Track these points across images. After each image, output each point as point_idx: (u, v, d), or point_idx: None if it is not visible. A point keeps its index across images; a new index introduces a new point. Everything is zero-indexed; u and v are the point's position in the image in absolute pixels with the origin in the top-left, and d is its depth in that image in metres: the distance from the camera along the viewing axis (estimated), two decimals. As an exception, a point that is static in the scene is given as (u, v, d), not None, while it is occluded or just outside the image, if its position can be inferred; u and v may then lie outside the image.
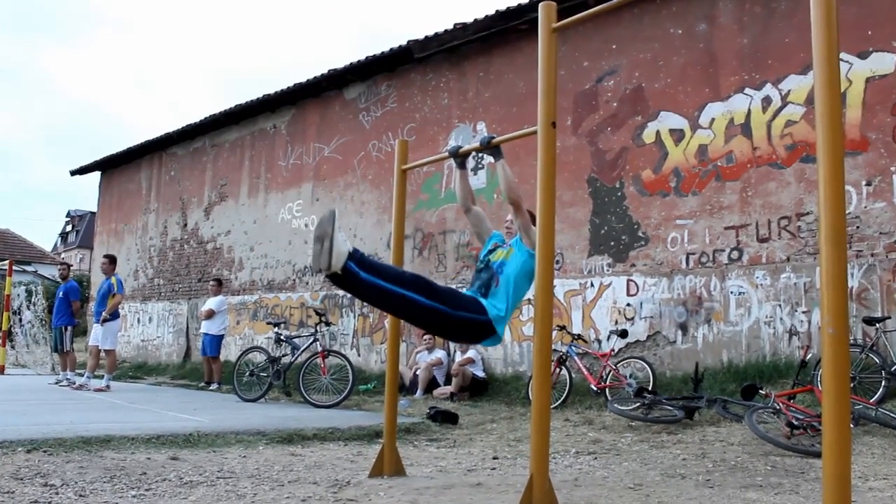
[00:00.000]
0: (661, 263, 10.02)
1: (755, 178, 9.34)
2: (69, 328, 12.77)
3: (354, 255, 3.93)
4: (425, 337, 11.95)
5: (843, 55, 8.61)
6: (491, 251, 4.77)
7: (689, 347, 9.63)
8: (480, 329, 4.33)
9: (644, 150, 10.39)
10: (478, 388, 11.06)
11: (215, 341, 13.20)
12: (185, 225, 18.70)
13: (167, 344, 18.59)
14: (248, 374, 11.09)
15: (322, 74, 14.55)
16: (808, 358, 7.95)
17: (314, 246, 3.89)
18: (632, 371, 9.70)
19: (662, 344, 9.87)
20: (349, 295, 13.77)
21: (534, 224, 4.18)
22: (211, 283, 14.18)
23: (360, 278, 3.94)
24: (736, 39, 9.71)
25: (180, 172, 19.22)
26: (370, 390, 11.87)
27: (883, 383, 7.59)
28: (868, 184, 8.47)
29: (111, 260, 12.56)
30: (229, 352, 15.90)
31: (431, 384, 11.32)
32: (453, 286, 12.29)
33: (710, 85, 9.87)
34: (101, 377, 12.00)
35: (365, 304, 13.43)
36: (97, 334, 12.03)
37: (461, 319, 4.23)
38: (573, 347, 10.10)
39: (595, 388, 9.59)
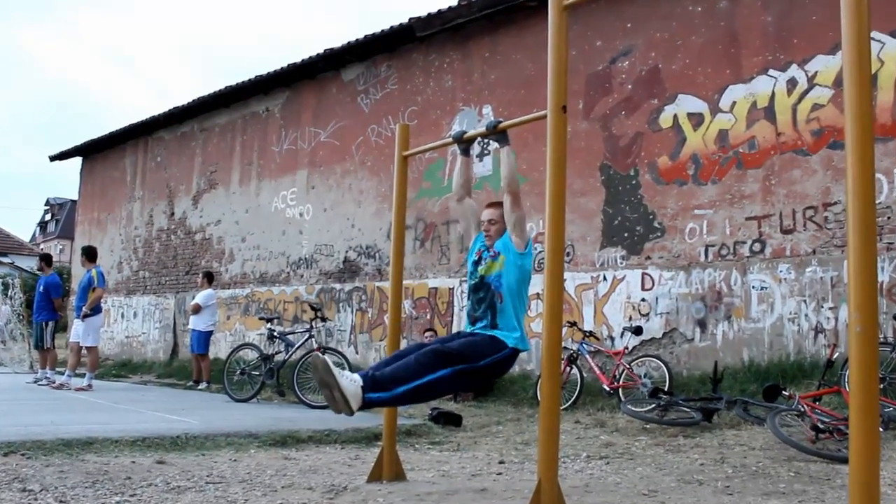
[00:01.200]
0: (679, 256, 10.01)
1: (779, 166, 9.32)
2: (50, 324, 12.79)
3: (367, 385, 4.02)
4: (427, 334, 11.96)
5: (874, 34, 8.57)
6: (477, 262, 4.70)
7: (707, 345, 9.63)
8: (509, 360, 4.45)
9: (660, 136, 10.37)
10: (483, 388, 11.07)
11: (204, 338, 13.22)
12: (173, 214, 18.72)
13: (153, 340, 18.63)
14: (238, 372, 11.11)
15: (318, 54, 14.53)
16: (834, 357, 7.94)
17: (323, 392, 4.03)
18: (646, 370, 9.71)
19: (679, 342, 9.87)
20: (346, 288, 13.80)
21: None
22: (200, 275, 14.20)
23: (385, 399, 4.11)
24: (759, 17, 9.68)
25: (167, 158, 19.23)
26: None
27: (914, 384, 7.58)
28: (899, 172, 8.45)
29: (86, 253, 12.49)
30: (219, 349, 15.92)
31: (433, 384, 11.33)
32: (460, 285, 12.33)
33: (732, 66, 9.84)
34: (83, 376, 12.03)
35: (363, 300, 13.44)
36: (78, 330, 12.05)
37: (488, 366, 4.35)
38: (584, 345, 10.09)
39: (607, 389, 9.59)
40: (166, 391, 12.64)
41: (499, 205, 4.69)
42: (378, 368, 4.15)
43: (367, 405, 4.02)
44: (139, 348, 19.01)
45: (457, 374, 4.19)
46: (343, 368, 4.32)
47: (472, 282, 4.68)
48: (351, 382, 3.96)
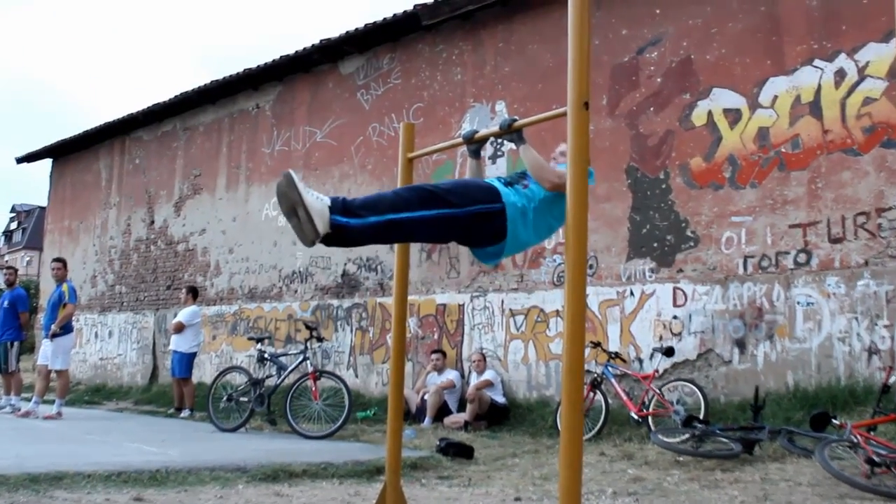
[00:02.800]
0: (714, 268, 9.99)
1: (826, 167, 9.30)
2: (15, 344, 12.77)
3: (336, 206, 3.94)
4: (434, 356, 11.95)
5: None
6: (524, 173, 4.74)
7: (747, 368, 9.58)
8: (498, 217, 4.29)
9: (693, 135, 10.36)
10: (497, 416, 11.04)
11: (186, 360, 13.23)
12: (153, 222, 18.78)
13: (130, 363, 18.66)
14: (225, 398, 11.10)
15: (313, 45, 14.58)
16: (890, 381, 7.90)
17: (289, 221, 3.93)
18: (679, 396, 9.66)
19: (716, 364, 9.83)
20: (345, 305, 13.80)
21: None
22: (183, 290, 14.22)
23: (354, 226, 3.96)
24: (804, 1, 9.67)
25: (146, 160, 19.30)
26: (370, 418, 11.86)
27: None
28: (961, 174, 8.42)
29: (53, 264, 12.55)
30: (204, 372, 15.92)
31: (442, 411, 11.32)
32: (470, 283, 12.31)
33: (773, 56, 9.83)
34: (52, 402, 12.04)
35: (363, 318, 13.44)
36: (46, 352, 12.06)
37: (473, 215, 4.23)
38: (610, 368, 10.07)
39: (636, 417, 9.55)
40: (145, 420, 12.63)
41: None
42: (352, 199, 4.07)
43: (334, 229, 3.91)
44: (115, 372, 19.04)
45: (438, 218, 4.11)
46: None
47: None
48: (317, 199, 3.88)
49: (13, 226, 77.48)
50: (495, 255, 4.48)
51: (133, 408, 15.21)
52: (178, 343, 13.27)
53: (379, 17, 13.69)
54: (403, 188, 4.23)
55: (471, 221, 4.22)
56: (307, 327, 11.58)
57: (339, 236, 3.97)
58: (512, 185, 4.43)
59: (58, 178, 22.54)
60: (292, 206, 3.87)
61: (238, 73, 16.05)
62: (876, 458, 6.25)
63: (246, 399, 10.95)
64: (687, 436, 8.09)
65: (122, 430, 10.49)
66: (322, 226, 3.85)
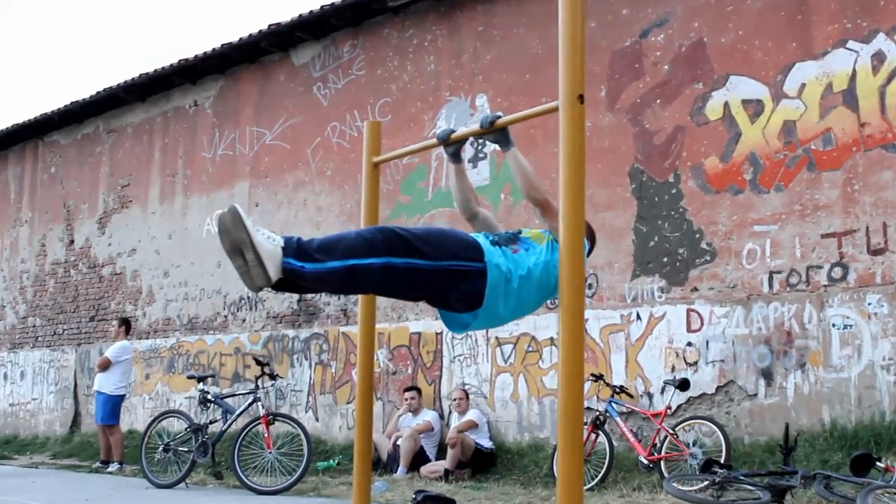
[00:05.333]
0: (735, 286, 10.03)
1: (864, 167, 9.38)
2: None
3: (289, 248, 3.93)
4: (408, 394, 11.93)
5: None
6: (519, 231, 4.73)
7: (775, 403, 9.63)
8: (469, 282, 4.23)
9: (708, 131, 10.43)
10: (482, 463, 11.03)
11: (113, 403, 13.12)
12: (72, 242, 18.67)
13: (47, 409, 18.50)
14: (161, 448, 11.03)
15: (261, 31, 14.58)
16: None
17: (233, 261, 3.93)
18: (696, 437, 9.69)
19: (738, 398, 9.87)
20: (302, 335, 13.77)
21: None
22: (114, 323, 14.13)
23: (309, 272, 3.95)
24: (832, -25, 9.78)
25: (64, 169, 19.20)
26: (333, 468, 11.82)
27: None
28: None
29: None
30: (135, 418, 15.81)
31: (418, 458, 11.29)
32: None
33: (799, 38, 9.91)
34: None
35: (324, 350, 13.41)
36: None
37: (444, 271, 4.18)
38: (614, 405, 10.08)
39: (646, 461, 9.57)
40: (65, 476, 12.53)
41: None
42: (309, 240, 4.05)
43: (286, 274, 3.90)
44: (27, 420, 18.87)
45: (407, 269, 4.07)
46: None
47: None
48: (268, 240, 3.87)
49: None
50: (463, 325, 4.46)
51: (51, 462, 15.07)
52: (102, 383, 13.15)
53: (338, -2, 13.71)
54: (368, 229, 4.19)
55: (444, 279, 4.20)
56: (258, 363, 11.52)
57: (291, 283, 3.99)
58: (500, 246, 4.42)
59: (-41, 190, 22.39)
60: (237, 246, 3.88)
61: (172, 65, 15.99)
62: (926, 506, 6.29)
63: (186, 449, 10.88)
64: (706, 483, 8.10)
65: (36, 489, 10.40)
66: (274, 270, 3.86)
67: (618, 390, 10.23)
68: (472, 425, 11.19)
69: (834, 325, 9.34)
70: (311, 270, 3.94)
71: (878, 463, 7.06)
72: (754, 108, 10.13)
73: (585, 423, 9.59)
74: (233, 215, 3.86)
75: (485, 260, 4.25)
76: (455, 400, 11.62)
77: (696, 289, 10.31)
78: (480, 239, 4.39)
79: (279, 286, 4.00)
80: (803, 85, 9.83)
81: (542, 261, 4.46)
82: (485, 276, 4.23)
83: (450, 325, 4.53)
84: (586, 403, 9.57)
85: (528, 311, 4.55)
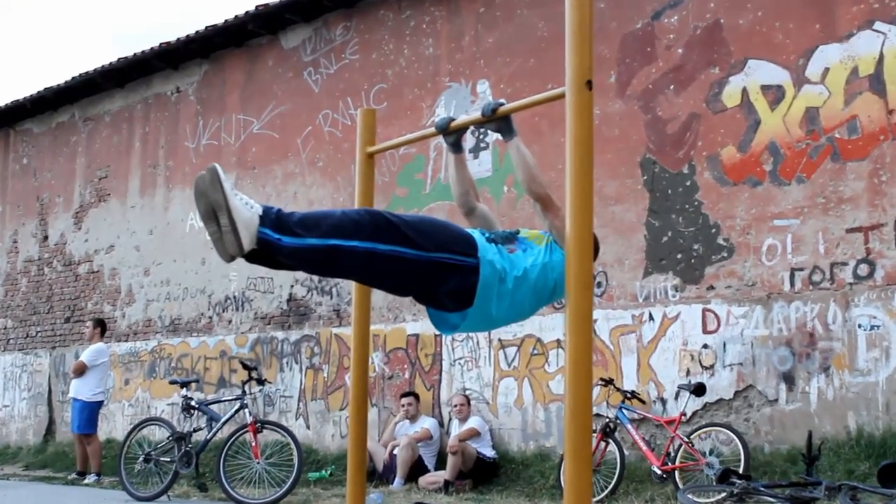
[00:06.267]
0: (753, 284, 10.04)
1: (891, 156, 9.37)
2: None
3: (268, 218, 3.93)
4: (405, 400, 11.93)
5: None
6: (517, 231, 4.73)
7: (797, 409, 9.63)
8: (459, 277, 4.23)
9: (725, 118, 10.42)
10: (485, 473, 11.04)
11: (90, 410, 13.11)
12: (46, 238, 18.66)
13: (19, 416, 18.51)
14: (142, 458, 11.04)
15: (247, 13, 14.57)
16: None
17: (206, 226, 3.91)
18: (713, 445, 9.69)
19: (758, 404, 9.87)
20: (292, 337, 13.77)
21: None
22: (88, 324, 14.12)
23: (286, 246, 3.93)
24: (857, -48, 9.78)
25: (37, 159, 19.19)
26: (325, 479, 11.83)
27: None
28: None
29: None
30: (113, 426, 15.82)
31: (416, 468, 11.29)
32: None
33: (823, 18, 9.91)
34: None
35: (315, 353, 13.41)
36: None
37: (433, 263, 4.16)
38: (625, 411, 10.08)
39: (659, 471, 9.57)
40: (38, 489, 12.53)
41: None
42: (291, 212, 4.04)
43: (261, 245, 3.89)
44: None
45: (393, 256, 4.04)
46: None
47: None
48: (246, 205, 3.86)
49: None
50: (452, 326, 4.45)
51: (23, 474, 15.08)
52: (78, 389, 13.14)
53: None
54: (356, 210, 4.16)
55: (433, 272, 4.18)
56: (245, 367, 11.52)
57: (265, 255, 3.97)
58: (495, 243, 4.41)
59: (-75, 183, 22.38)
60: (212, 209, 3.86)
61: (153, 49, 15.98)
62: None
63: (168, 459, 10.89)
64: (723, 494, 8.11)
65: (7, 502, 10.40)
66: (248, 239, 3.85)
67: (629, 396, 10.23)
68: (474, 433, 11.19)
69: (860, 326, 9.34)
70: (289, 245, 3.93)
71: (906, 473, 7.07)
72: (774, 94, 10.13)
73: (594, 431, 9.61)
74: (211, 174, 3.85)
75: (478, 256, 4.25)
76: (455, 406, 11.61)
77: (712, 287, 10.31)
78: (476, 234, 4.39)
79: (252, 257, 3.96)
80: (827, 69, 9.82)
81: (540, 262, 4.47)
82: (477, 273, 4.23)
83: (438, 324, 4.51)
84: (595, 410, 9.56)
85: (522, 315, 4.56)
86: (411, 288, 4.35)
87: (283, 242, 3.91)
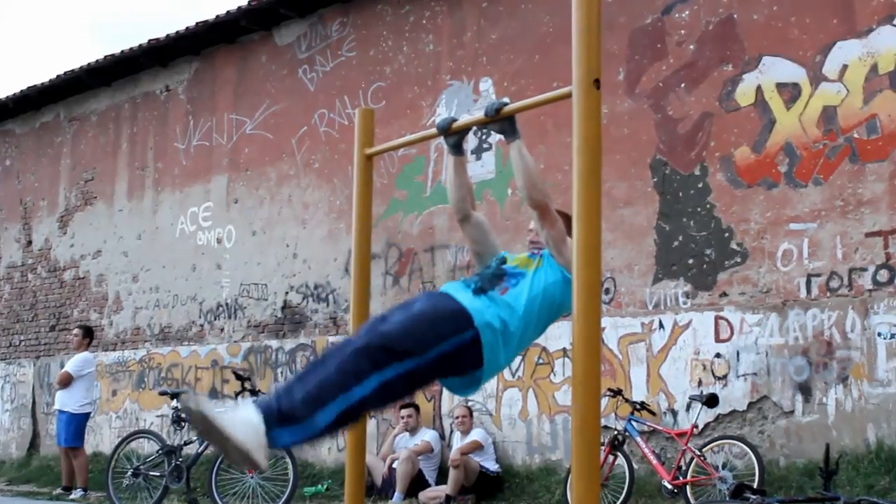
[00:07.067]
0: (768, 291, 10.04)
1: (910, 158, 9.39)
2: None
3: (271, 419, 3.94)
4: (404, 412, 11.92)
5: None
6: (503, 261, 4.76)
7: (814, 421, 9.63)
8: (464, 355, 4.29)
9: (738, 118, 10.43)
10: (488, 488, 11.04)
11: (76, 423, 13.10)
12: (30, 243, 18.67)
13: (2, 429, 18.48)
14: (131, 473, 11.05)
15: (240, 8, 14.58)
16: None
17: (216, 448, 4.02)
18: (726, 459, 9.69)
19: (773, 416, 9.87)
20: (287, 346, 13.78)
21: (569, 235, 4.17)
22: (75, 332, 14.12)
23: (301, 436, 4.03)
24: (876, -56, 9.79)
25: (20, 161, 19.20)
26: (322, 494, 11.83)
27: None
28: None
29: None
30: (101, 439, 15.81)
31: (416, 483, 11.29)
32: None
33: (841, 13, 9.91)
34: None
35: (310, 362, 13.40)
36: None
37: (436, 359, 4.21)
38: (634, 423, 10.08)
39: (669, 486, 9.57)
40: None
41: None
42: (287, 392, 4.04)
43: (281, 448, 3.98)
44: (-17, 441, 18.90)
45: (399, 377, 4.10)
46: (238, 399, 4.19)
47: (483, 268, 4.70)
48: (248, 429, 3.87)
49: None
50: (471, 385, 4.54)
51: (6, 489, 15.07)
52: (64, 401, 13.13)
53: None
54: (342, 355, 4.10)
55: (440, 366, 4.26)
56: (238, 377, 11.53)
57: (285, 448, 4.12)
58: (485, 292, 4.44)
59: None
60: (218, 441, 3.91)
61: (141, 46, 15.98)
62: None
63: (158, 473, 10.90)
64: (737, 510, 8.11)
65: (-7, 517, 10.41)
66: (262, 458, 3.91)
67: (638, 407, 10.23)
68: (477, 446, 11.19)
69: (880, 335, 9.34)
70: (303, 434, 4.01)
71: (928, 487, 7.08)
72: (790, 92, 10.14)
73: (602, 444, 9.61)
74: (199, 416, 3.85)
75: (475, 325, 4.29)
76: (457, 418, 11.61)
77: (725, 294, 10.32)
78: (461, 295, 4.40)
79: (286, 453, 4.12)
80: (845, 66, 9.83)
81: (539, 290, 4.52)
82: (479, 341, 4.29)
83: (456, 390, 4.63)
84: (603, 422, 9.56)
85: (531, 342, 4.67)
86: (427, 383, 4.46)
87: (297, 435, 4.00)
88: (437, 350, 4.18)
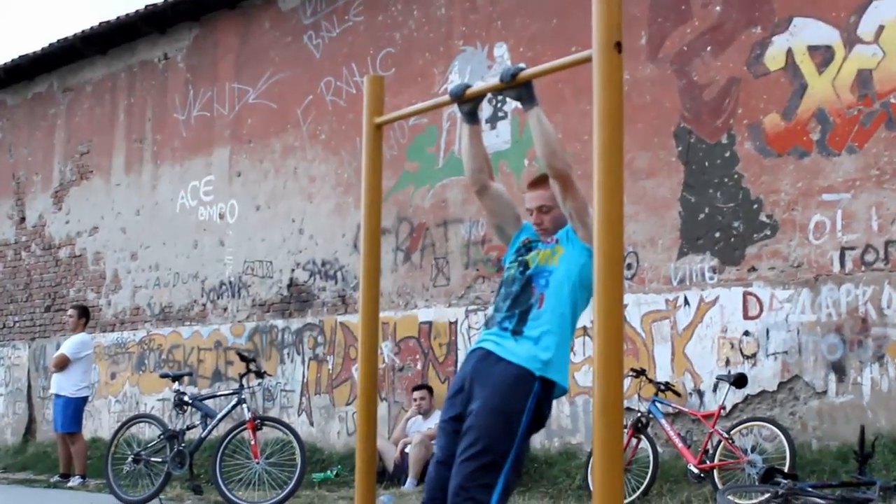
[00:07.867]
0: (800, 265, 10.02)
1: (949, 124, 9.36)
2: None
3: None
4: (417, 394, 11.94)
5: None
6: (522, 250, 4.77)
7: (848, 402, 9.62)
8: (543, 403, 4.49)
9: (767, 83, 10.39)
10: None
11: (73, 407, 13.16)
12: (23, 219, 18.72)
13: (-2, 414, 18.61)
14: (131, 459, 11.08)
15: (241, -30, 14.58)
16: None
17: None
18: (755, 441, 9.70)
19: (805, 397, 9.87)
20: (293, 326, 13.80)
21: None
22: (70, 312, 14.16)
23: None
24: None
25: (12, 134, 19.24)
26: (331, 480, 11.87)
27: None
28: None
29: None
30: (99, 424, 15.89)
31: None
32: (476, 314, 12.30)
33: (873, -27, 9.87)
34: None
35: (319, 343, 13.44)
36: None
37: (525, 432, 4.43)
38: (658, 404, 10.09)
39: (696, 470, 9.58)
40: (17, 492, 12.60)
41: (545, 182, 4.75)
42: None
43: None
44: (-23, 426, 19.00)
45: (507, 481, 4.32)
46: None
47: (509, 272, 4.74)
48: None
49: None
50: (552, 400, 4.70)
51: (2, 476, 15.15)
52: (61, 384, 13.18)
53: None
54: (455, 494, 4.40)
55: (527, 438, 4.48)
56: (242, 358, 11.56)
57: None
58: (521, 334, 4.56)
59: None
60: None
61: (138, 12, 15.98)
62: None
63: (159, 459, 10.93)
64: (767, 495, 8.12)
65: (-12, 506, 10.47)
66: None
67: (663, 388, 10.24)
68: (493, 430, 11.19)
69: (917, 310, 9.34)
70: None
71: (968, 471, 7.07)
72: (822, 55, 10.09)
73: (625, 427, 9.62)
74: None
75: (533, 391, 4.45)
76: (472, 400, 11.60)
77: (753, 268, 10.30)
78: (503, 351, 4.56)
79: None
80: (881, 27, 9.78)
81: (567, 291, 4.58)
82: (540, 392, 4.50)
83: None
84: (626, 403, 9.57)
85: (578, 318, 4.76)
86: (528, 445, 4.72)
87: None
88: (516, 444, 4.41)
